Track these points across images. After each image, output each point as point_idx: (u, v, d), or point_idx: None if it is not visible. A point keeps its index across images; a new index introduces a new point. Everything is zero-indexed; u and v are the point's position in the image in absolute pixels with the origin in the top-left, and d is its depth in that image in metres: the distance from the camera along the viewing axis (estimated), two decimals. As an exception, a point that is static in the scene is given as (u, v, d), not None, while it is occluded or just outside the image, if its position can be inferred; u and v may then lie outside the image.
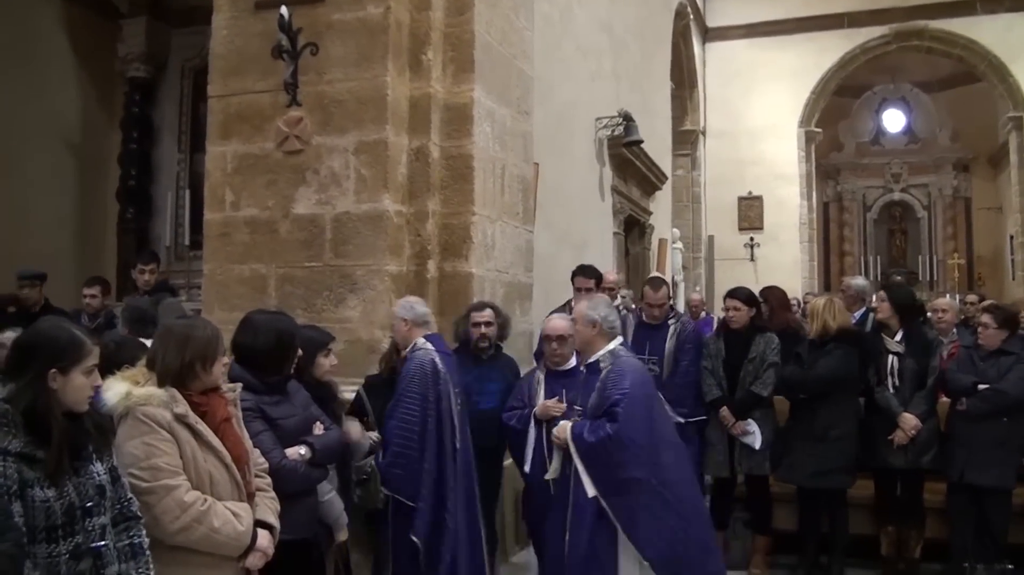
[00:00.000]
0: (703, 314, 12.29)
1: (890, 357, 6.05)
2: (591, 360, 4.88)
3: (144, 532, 2.85)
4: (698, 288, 16.17)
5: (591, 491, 4.62)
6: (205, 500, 3.03)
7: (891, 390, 6.02)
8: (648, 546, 4.56)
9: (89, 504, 2.66)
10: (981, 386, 5.81)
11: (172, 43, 10.55)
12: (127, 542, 2.79)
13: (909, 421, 5.87)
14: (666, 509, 4.60)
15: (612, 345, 4.88)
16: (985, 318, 6.11)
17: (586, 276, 6.73)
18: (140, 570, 2.79)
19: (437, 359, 4.86)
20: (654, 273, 12.94)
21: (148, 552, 2.83)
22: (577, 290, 6.68)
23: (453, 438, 4.83)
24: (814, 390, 6.11)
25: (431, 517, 4.73)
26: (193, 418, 3.10)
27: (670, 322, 6.70)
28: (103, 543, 2.69)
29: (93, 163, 10.52)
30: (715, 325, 10.26)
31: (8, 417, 2.56)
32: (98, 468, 2.74)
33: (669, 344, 6.58)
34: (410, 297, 5.29)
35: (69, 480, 2.63)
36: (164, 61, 10.57)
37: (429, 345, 4.92)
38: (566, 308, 6.45)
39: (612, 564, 4.59)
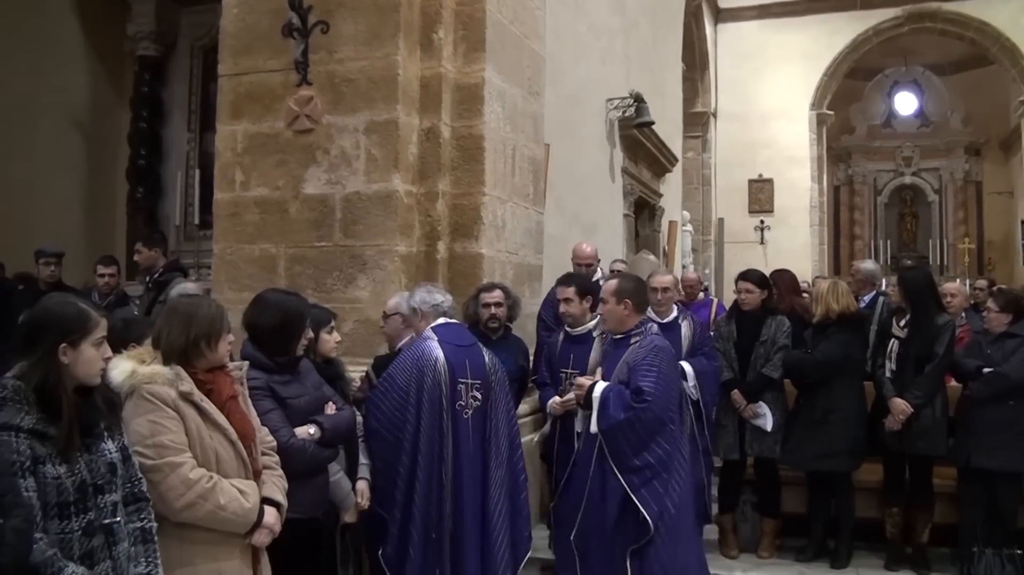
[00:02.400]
0: (700, 295, 10.76)
1: (892, 341, 6.05)
2: None
3: (153, 515, 2.86)
4: (693, 266, 15.71)
5: None
6: (211, 477, 3.04)
7: (888, 374, 6.02)
8: None
9: (101, 482, 2.67)
10: (985, 370, 5.81)
11: (181, 22, 10.49)
12: (138, 525, 2.80)
13: (898, 406, 5.86)
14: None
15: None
16: (989, 302, 6.16)
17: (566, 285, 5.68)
18: (149, 558, 2.80)
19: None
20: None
21: (156, 539, 2.85)
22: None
23: None
24: (814, 374, 6.10)
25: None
26: (198, 396, 3.11)
27: (680, 320, 5.95)
28: (115, 520, 2.70)
29: (102, 142, 10.51)
30: (714, 307, 10.22)
31: (20, 394, 2.57)
32: (109, 446, 2.75)
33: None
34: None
35: (81, 457, 2.64)
36: (173, 40, 10.52)
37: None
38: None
39: None
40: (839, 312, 6.12)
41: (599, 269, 7.08)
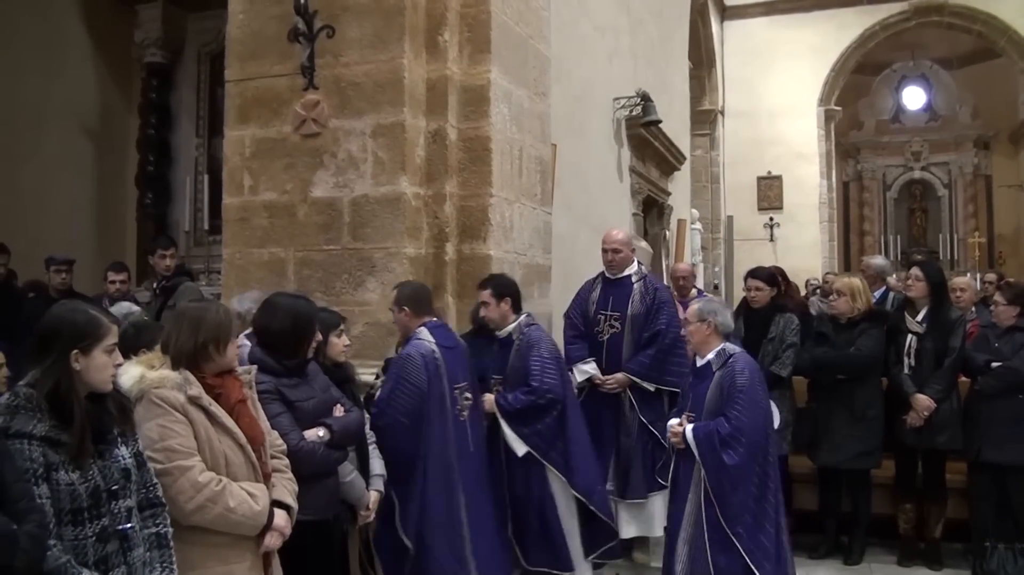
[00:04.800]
0: (693, 291, 9.30)
1: (909, 337, 6.03)
2: None
3: (169, 520, 2.88)
4: (703, 264, 15.58)
5: None
6: (220, 480, 3.05)
7: (907, 370, 6.00)
8: None
9: (115, 487, 2.69)
10: (994, 364, 5.80)
11: (188, 28, 10.53)
12: (154, 530, 2.82)
13: (922, 402, 5.85)
14: None
15: None
16: (997, 295, 6.15)
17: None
18: (164, 563, 2.82)
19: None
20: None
21: (172, 544, 2.86)
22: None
23: None
24: (851, 371, 6.04)
25: None
26: (207, 400, 3.12)
27: None
28: (129, 526, 2.71)
29: (111, 149, 10.54)
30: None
31: (33, 401, 2.59)
32: (123, 452, 2.77)
33: None
34: None
35: (94, 463, 2.66)
36: (181, 46, 10.56)
37: None
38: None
39: None
40: (866, 309, 6.12)
41: (636, 261, 6.38)
